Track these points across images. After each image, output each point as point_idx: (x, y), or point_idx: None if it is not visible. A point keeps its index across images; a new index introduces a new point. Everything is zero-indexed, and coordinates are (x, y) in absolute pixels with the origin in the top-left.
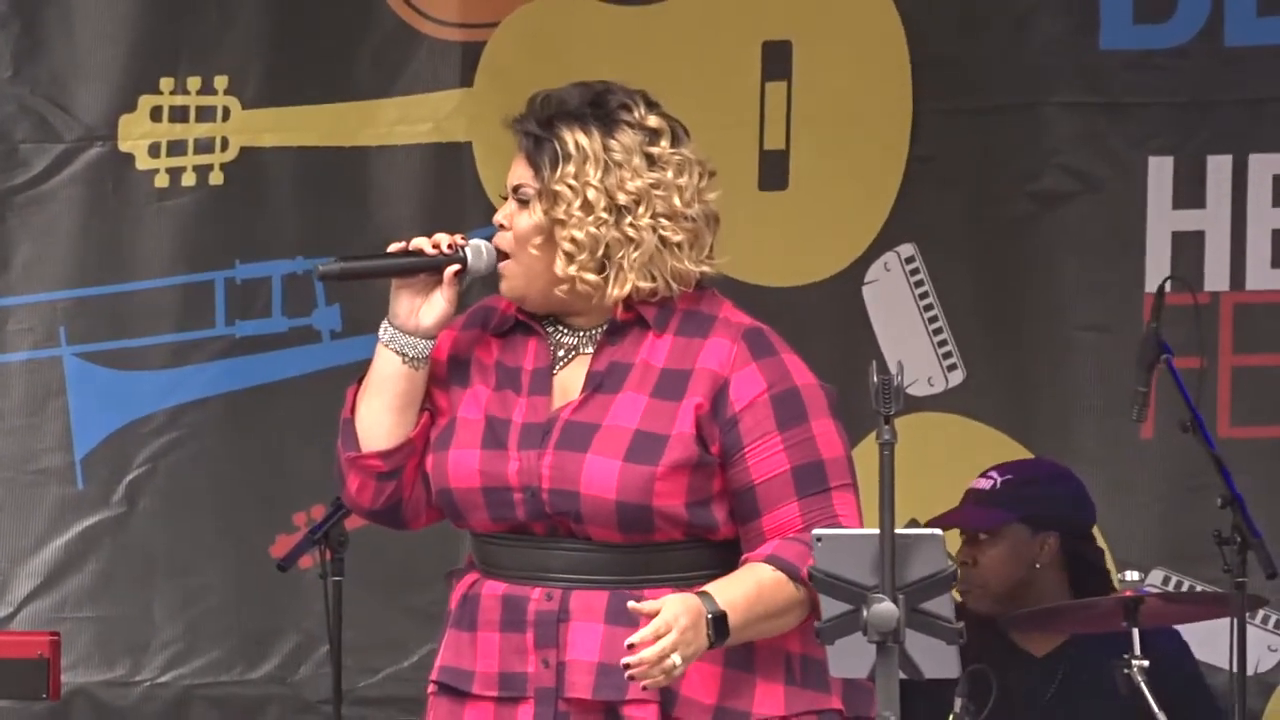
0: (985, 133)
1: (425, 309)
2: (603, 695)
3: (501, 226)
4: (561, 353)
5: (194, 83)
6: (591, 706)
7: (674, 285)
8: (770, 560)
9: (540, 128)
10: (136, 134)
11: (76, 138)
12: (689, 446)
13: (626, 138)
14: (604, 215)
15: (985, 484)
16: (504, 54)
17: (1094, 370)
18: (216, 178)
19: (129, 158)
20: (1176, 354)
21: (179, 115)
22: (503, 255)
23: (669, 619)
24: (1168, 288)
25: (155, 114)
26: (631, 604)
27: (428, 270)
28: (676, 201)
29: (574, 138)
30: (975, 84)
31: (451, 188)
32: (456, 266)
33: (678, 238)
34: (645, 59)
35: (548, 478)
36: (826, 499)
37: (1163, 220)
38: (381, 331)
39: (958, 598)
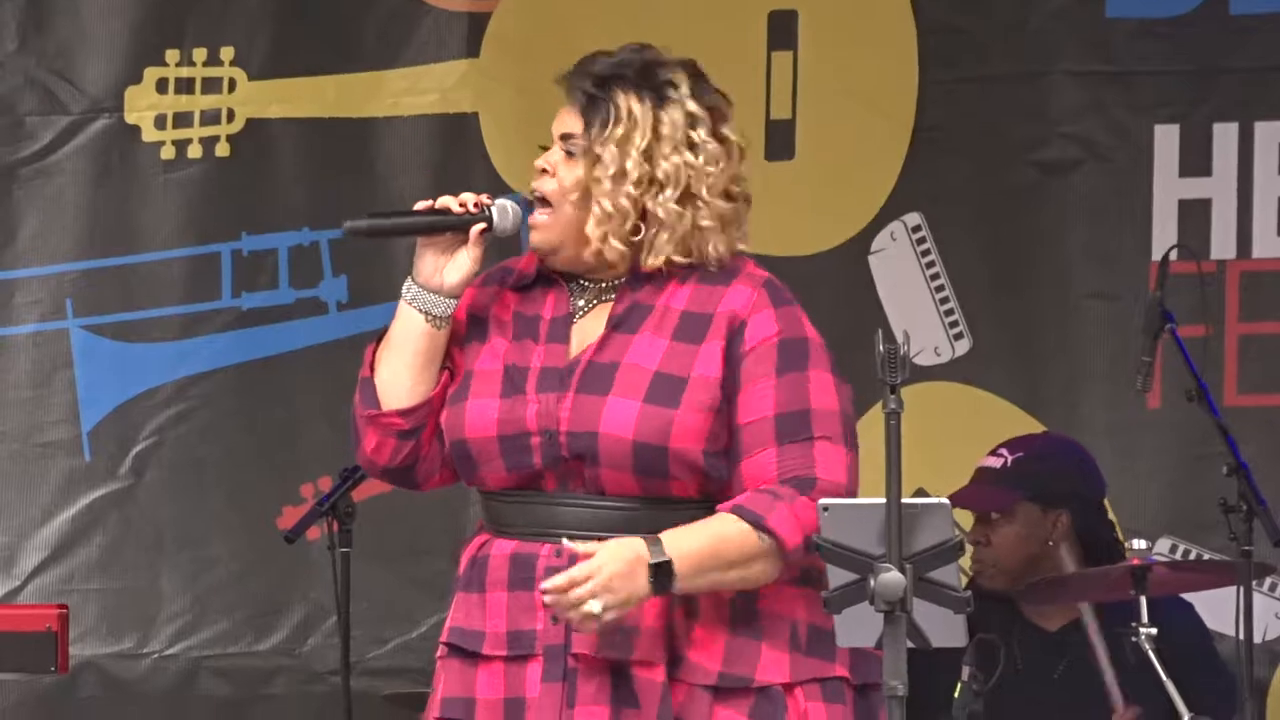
0: (991, 102)
1: (450, 267)
2: (607, 653)
3: (545, 171)
4: (582, 302)
5: (200, 54)
6: (598, 664)
7: (711, 258)
8: (735, 510)
9: (596, 86)
10: (142, 106)
11: (83, 110)
12: (710, 389)
13: (675, 114)
14: (631, 190)
15: (995, 462)
16: (510, 25)
17: (1100, 339)
18: (223, 149)
19: (135, 130)
20: (1183, 322)
21: (185, 87)
22: (544, 203)
23: (593, 567)
24: (1173, 256)
25: (161, 86)
26: (565, 542)
27: (454, 229)
28: (711, 184)
29: (628, 102)
30: (981, 53)
31: (458, 158)
32: (482, 225)
33: (706, 222)
34: (651, 28)
35: (567, 420)
36: (807, 449)
37: (1169, 188)
38: (405, 290)
39: (967, 572)
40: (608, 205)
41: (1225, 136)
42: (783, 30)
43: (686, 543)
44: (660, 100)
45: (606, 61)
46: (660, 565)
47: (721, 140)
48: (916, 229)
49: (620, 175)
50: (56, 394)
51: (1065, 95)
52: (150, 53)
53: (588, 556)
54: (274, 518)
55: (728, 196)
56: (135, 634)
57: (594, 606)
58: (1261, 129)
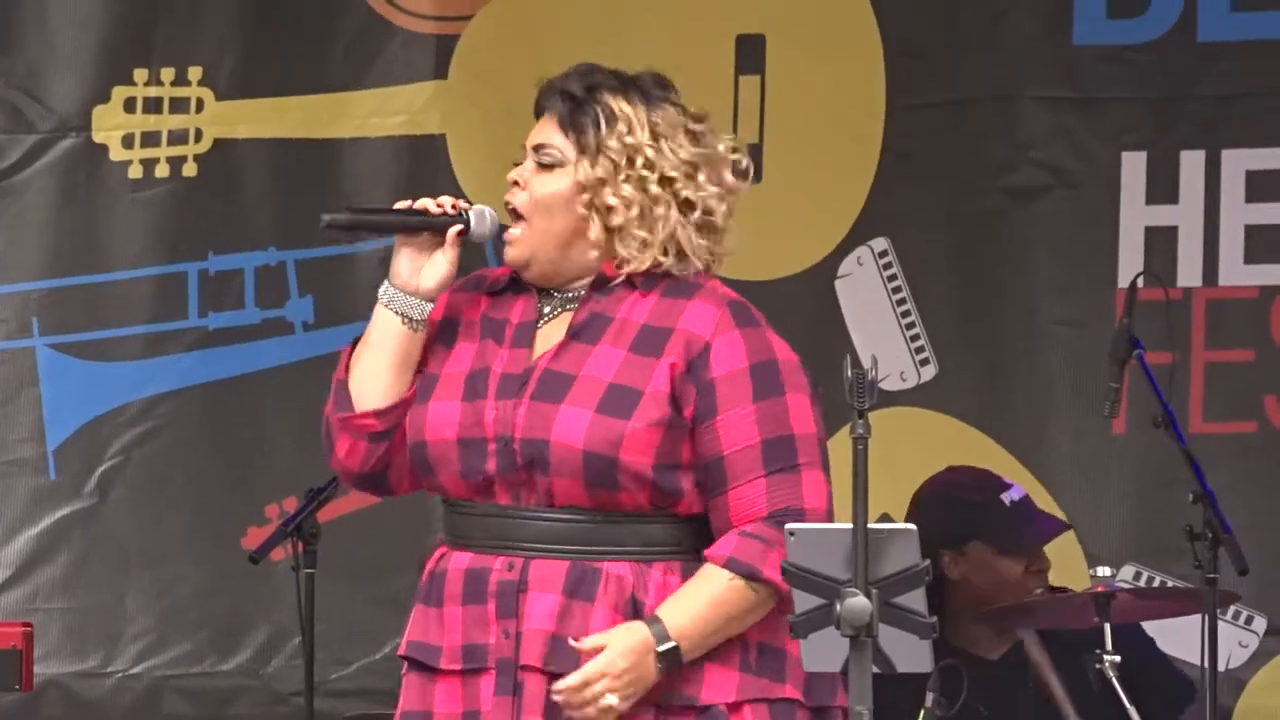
0: (959, 127)
1: (427, 269)
2: (553, 667)
3: (516, 184)
4: (548, 309)
5: (168, 74)
6: (547, 677)
7: (694, 261)
8: (729, 565)
9: (583, 91)
10: (110, 125)
11: (50, 128)
12: (662, 405)
13: (669, 114)
14: (664, 177)
15: (1022, 490)
16: (478, 46)
17: (1066, 365)
18: (190, 169)
19: (103, 149)
20: (1149, 349)
21: (153, 106)
22: (516, 217)
23: (604, 664)
24: (1140, 283)
25: (129, 105)
26: (572, 642)
27: (432, 229)
28: (726, 174)
29: (618, 104)
30: (949, 78)
31: (425, 180)
32: (459, 227)
33: (723, 207)
34: (619, 51)
35: (521, 426)
36: (795, 477)
37: (1136, 215)
38: (381, 293)
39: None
40: (627, 192)
41: (1192, 164)
42: (750, 54)
43: (687, 617)
44: (649, 101)
45: (588, 73)
46: (669, 650)
47: (724, 140)
48: (883, 254)
49: (632, 168)
50: (22, 412)
51: (1032, 121)
52: (118, 72)
53: (596, 652)
54: (239, 538)
55: (729, 195)
56: (99, 653)
57: (610, 700)
58: (1228, 156)
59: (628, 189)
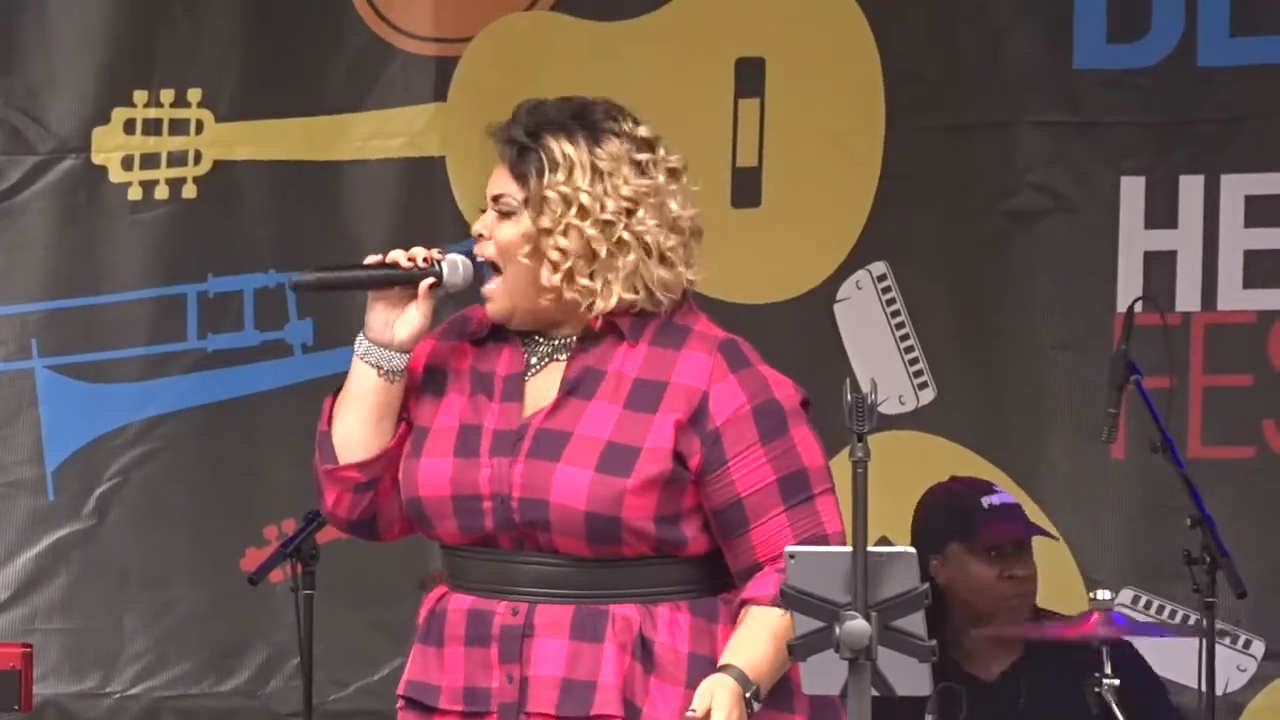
0: (958, 151)
1: (400, 322)
2: (567, 711)
3: (481, 236)
4: (535, 359)
5: (167, 95)
6: None
7: (659, 296)
8: (777, 602)
9: (526, 136)
10: (110, 146)
11: (50, 150)
12: (662, 461)
13: (614, 146)
14: (601, 219)
15: (1010, 498)
16: (478, 69)
17: (1065, 389)
18: (189, 191)
19: (102, 170)
20: (1148, 374)
21: (152, 128)
22: (494, 269)
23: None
24: (1138, 308)
25: (129, 126)
26: (688, 713)
27: (403, 283)
28: (672, 206)
29: (560, 146)
30: (948, 102)
31: (425, 202)
32: (431, 280)
33: (671, 242)
34: (619, 75)
35: (518, 485)
36: (811, 507)
37: (1135, 240)
38: (357, 345)
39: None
40: (565, 243)
41: (1191, 189)
42: (750, 77)
43: (758, 658)
44: (595, 136)
45: (535, 110)
46: (753, 693)
47: (671, 165)
48: (882, 278)
49: (581, 212)
50: (21, 433)
51: (1032, 145)
52: (118, 93)
53: (707, 715)
54: (237, 559)
55: (675, 227)
56: (98, 674)
57: None
58: (1227, 181)
59: (563, 240)
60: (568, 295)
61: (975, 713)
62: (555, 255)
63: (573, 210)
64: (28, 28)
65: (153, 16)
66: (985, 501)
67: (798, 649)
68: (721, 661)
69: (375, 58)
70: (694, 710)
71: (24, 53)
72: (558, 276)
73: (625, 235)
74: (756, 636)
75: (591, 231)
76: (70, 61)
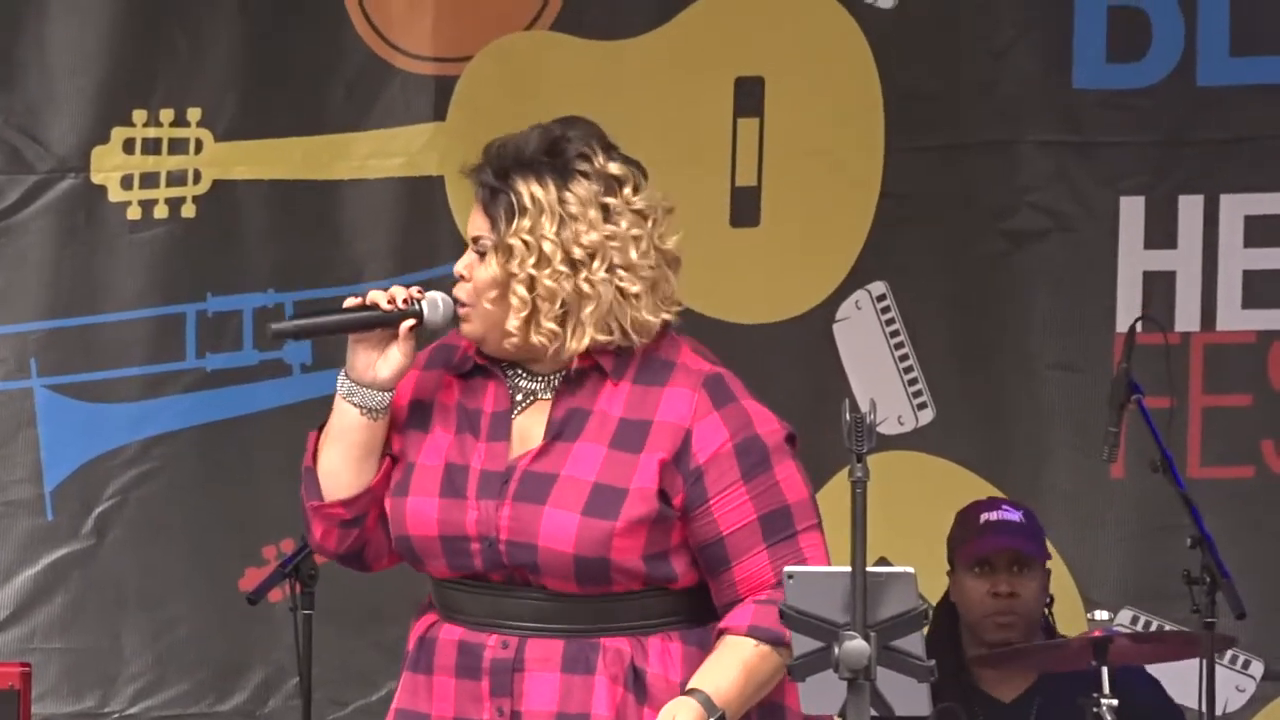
0: (957, 170)
1: (381, 363)
2: None
3: (462, 277)
4: (520, 397)
5: (167, 115)
6: None
7: (633, 335)
8: (752, 633)
9: (496, 178)
10: (109, 166)
11: (49, 169)
12: (649, 501)
13: (582, 189)
14: (560, 269)
15: (1012, 515)
16: (477, 88)
17: (1064, 409)
18: (189, 210)
19: (101, 189)
20: (1147, 394)
21: (152, 147)
22: (463, 304)
23: None
24: (1139, 328)
25: (128, 146)
26: None
27: (383, 325)
28: (633, 253)
29: (529, 190)
30: (947, 121)
31: (423, 222)
32: (412, 321)
33: (635, 288)
34: (618, 94)
35: (506, 529)
36: (794, 544)
37: (1134, 260)
38: (339, 384)
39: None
40: (524, 293)
41: (1191, 208)
42: (749, 96)
43: (725, 685)
44: (565, 178)
45: (507, 149)
46: (718, 719)
47: (636, 207)
48: (882, 298)
49: (541, 260)
50: (19, 453)
51: (1031, 165)
52: (117, 113)
53: None
54: (236, 579)
55: (650, 262)
56: (96, 693)
57: None
58: (1227, 201)
59: (522, 288)
60: (533, 339)
61: None
62: (516, 301)
63: (534, 258)
64: (27, 47)
65: (152, 36)
66: (983, 517)
67: (797, 669)
68: (689, 686)
69: (375, 77)
70: None
71: (23, 72)
72: (517, 322)
73: (585, 284)
74: (727, 664)
75: (549, 282)
76: (69, 81)
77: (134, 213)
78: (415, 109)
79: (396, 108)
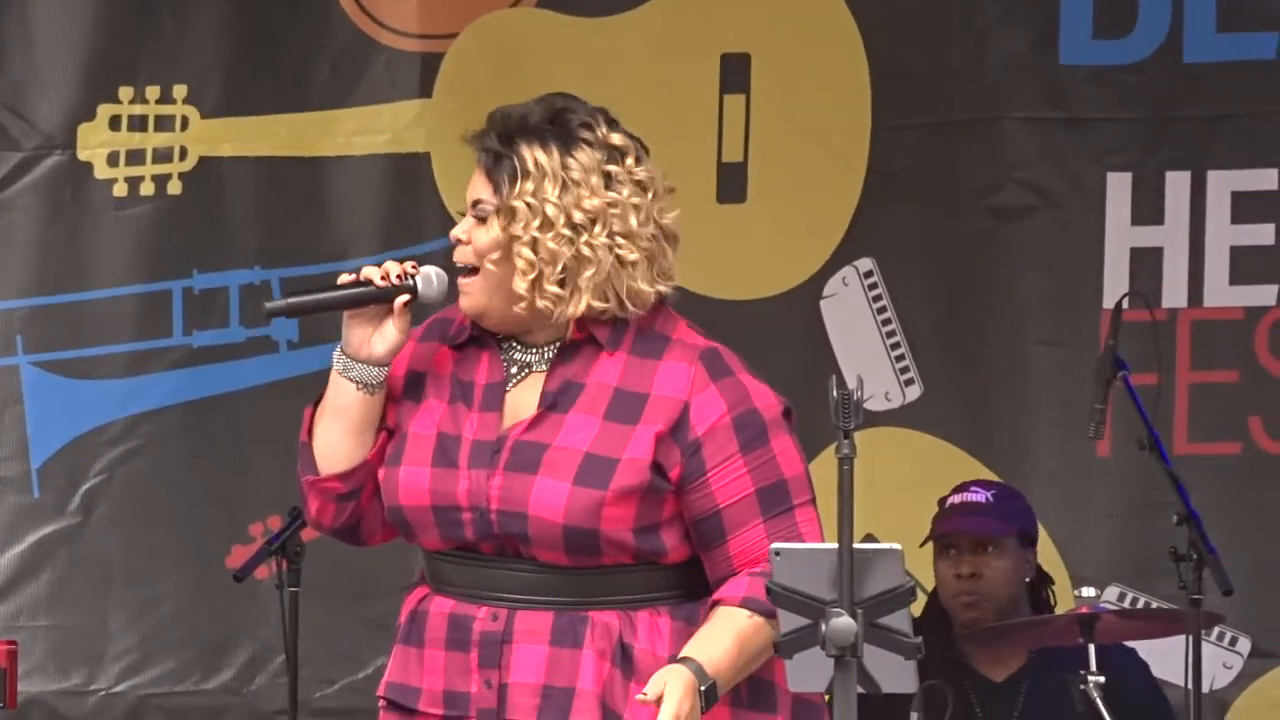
0: (944, 147)
1: (377, 338)
2: (545, 718)
3: (459, 241)
4: (515, 369)
5: (153, 92)
6: None
7: (629, 305)
8: (745, 604)
9: (500, 144)
10: (95, 143)
11: (35, 146)
12: (640, 472)
13: (585, 156)
14: (562, 233)
15: (976, 497)
16: (463, 65)
17: (1052, 386)
18: (175, 187)
19: (87, 166)
20: (1134, 370)
21: (137, 124)
22: (471, 270)
23: (681, 710)
24: (1125, 304)
25: (114, 123)
26: (638, 696)
27: (377, 301)
28: (633, 221)
29: (533, 154)
30: (934, 98)
31: (409, 198)
32: (406, 296)
33: (633, 256)
34: (604, 71)
35: (496, 499)
36: (790, 518)
37: (1121, 236)
38: (335, 359)
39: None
40: (529, 254)
41: (1178, 185)
42: (735, 73)
43: (718, 655)
44: (568, 144)
45: (512, 116)
46: (709, 688)
47: (638, 177)
48: (868, 274)
49: (545, 224)
50: (6, 430)
51: (1018, 141)
52: (104, 90)
53: (659, 700)
54: (223, 556)
55: (650, 232)
56: (82, 671)
57: None
58: (1214, 177)
59: (526, 251)
60: (539, 303)
61: (981, 713)
62: (522, 263)
63: (537, 221)
64: (12, 24)
65: (138, 13)
66: (949, 500)
67: (784, 646)
68: (681, 655)
69: (360, 54)
70: (644, 695)
71: (9, 49)
72: (524, 284)
73: (585, 248)
74: (720, 634)
75: (552, 245)
76: (55, 58)
77: (120, 190)
78: (401, 86)
79: (382, 85)
